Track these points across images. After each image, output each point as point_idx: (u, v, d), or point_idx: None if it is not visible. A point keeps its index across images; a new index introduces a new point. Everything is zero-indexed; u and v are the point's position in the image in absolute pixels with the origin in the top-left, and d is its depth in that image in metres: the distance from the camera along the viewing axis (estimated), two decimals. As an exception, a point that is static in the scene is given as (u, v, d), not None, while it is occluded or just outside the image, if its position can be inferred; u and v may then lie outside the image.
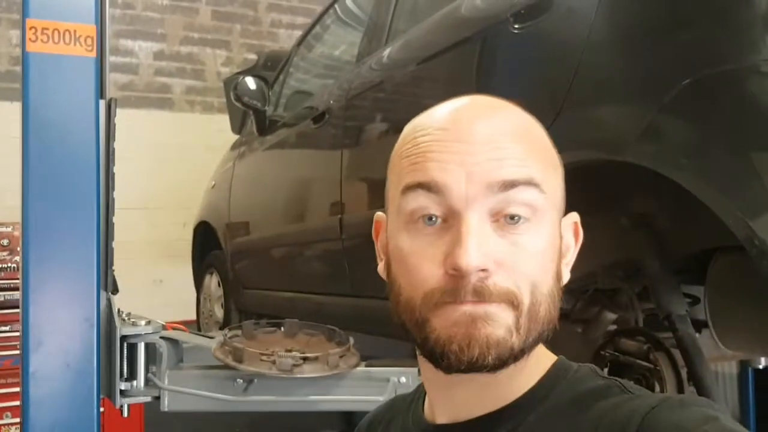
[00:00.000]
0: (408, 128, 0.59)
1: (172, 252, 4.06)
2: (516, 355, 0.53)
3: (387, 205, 0.61)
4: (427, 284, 0.53)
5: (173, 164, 4.15)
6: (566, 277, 0.59)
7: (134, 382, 1.53)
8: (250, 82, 2.59)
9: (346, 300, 2.07)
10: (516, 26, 1.40)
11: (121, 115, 1.66)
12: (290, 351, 1.76)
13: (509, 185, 0.53)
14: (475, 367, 0.52)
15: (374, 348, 2.07)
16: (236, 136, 3.33)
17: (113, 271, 1.60)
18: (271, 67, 3.30)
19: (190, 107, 4.47)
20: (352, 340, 1.81)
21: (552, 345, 0.60)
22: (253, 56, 4.38)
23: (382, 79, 1.99)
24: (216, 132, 3.99)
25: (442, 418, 0.60)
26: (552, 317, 0.55)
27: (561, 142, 0.61)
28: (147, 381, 1.54)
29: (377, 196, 2.00)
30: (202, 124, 4.38)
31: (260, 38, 4.71)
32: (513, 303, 0.52)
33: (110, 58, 1.65)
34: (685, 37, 1.09)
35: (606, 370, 1.30)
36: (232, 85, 2.74)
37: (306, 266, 2.46)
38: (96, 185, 1.57)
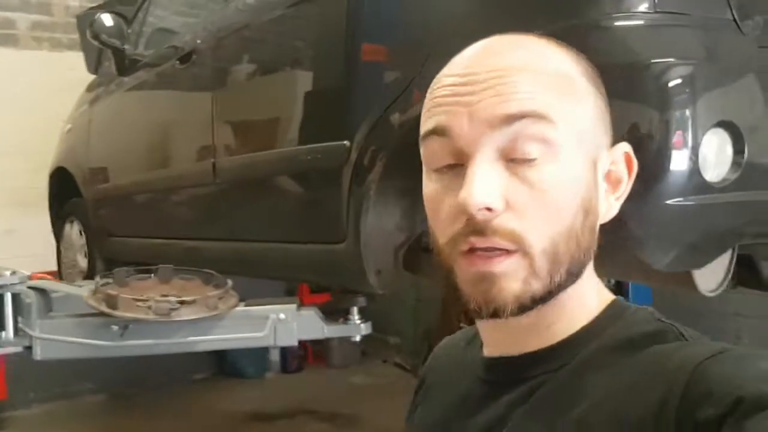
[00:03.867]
0: (433, 80, 0.59)
1: (22, 200, 3.80)
2: (543, 297, 0.53)
3: None
4: (449, 231, 0.54)
5: (21, 105, 3.83)
6: (614, 210, 0.57)
7: (3, 333, 1.48)
8: (107, 19, 2.44)
9: (224, 244, 2.07)
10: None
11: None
12: (166, 296, 1.75)
13: (511, 119, 0.51)
14: (500, 317, 0.52)
15: (255, 290, 2.10)
16: (91, 76, 3.14)
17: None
18: (127, 2, 3.11)
19: (37, 44, 4.12)
20: (230, 282, 1.84)
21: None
22: (104, -11, 4.08)
23: (250, 21, 1.96)
24: (67, 71, 3.71)
25: (493, 353, 0.61)
26: (579, 253, 0.53)
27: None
28: (17, 331, 1.49)
29: (252, 139, 1.99)
30: (51, 63, 4.05)
31: (112, -30, 4.39)
32: (521, 247, 0.51)
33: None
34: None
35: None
36: (87, 22, 2.57)
37: (178, 211, 2.42)
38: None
